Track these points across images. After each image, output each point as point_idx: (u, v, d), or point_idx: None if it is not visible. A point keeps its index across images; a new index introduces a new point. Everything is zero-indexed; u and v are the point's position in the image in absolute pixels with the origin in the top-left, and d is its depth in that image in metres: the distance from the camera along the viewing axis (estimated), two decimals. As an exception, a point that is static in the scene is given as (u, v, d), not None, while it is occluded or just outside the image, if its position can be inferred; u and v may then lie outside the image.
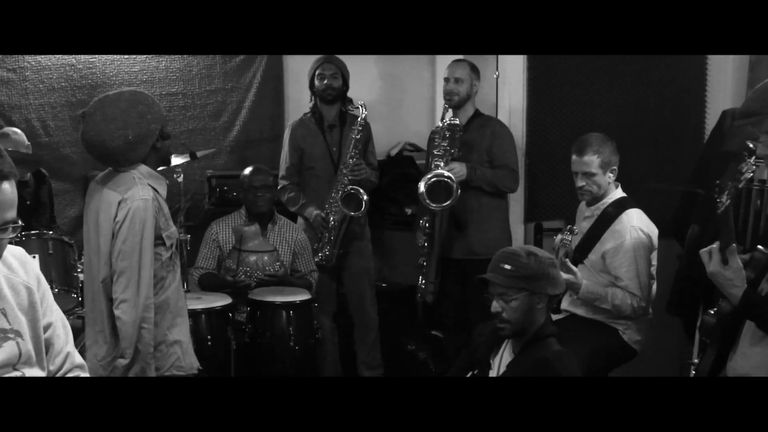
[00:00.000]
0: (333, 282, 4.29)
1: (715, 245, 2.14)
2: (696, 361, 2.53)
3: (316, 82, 4.15)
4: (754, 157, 2.11)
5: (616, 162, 3.28)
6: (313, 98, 4.23)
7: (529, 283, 2.35)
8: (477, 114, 4.02)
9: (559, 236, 3.11)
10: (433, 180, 3.77)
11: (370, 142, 4.27)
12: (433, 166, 3.87)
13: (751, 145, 2.15)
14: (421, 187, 3.77)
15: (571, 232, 3.11)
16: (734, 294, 2.11)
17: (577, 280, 3.12)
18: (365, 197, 4.01)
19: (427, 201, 3.77)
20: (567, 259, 3.10)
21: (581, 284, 3.14)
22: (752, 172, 2.09)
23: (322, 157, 4.17)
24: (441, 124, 3.92)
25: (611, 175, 3.28)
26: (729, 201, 2.10)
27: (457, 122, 3.88)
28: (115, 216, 2.56)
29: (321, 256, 4.14)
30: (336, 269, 4.24)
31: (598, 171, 3.24)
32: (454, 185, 3.74)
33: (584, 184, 3.28)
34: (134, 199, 2.54)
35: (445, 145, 3.86)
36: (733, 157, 2.17)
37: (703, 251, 2.18)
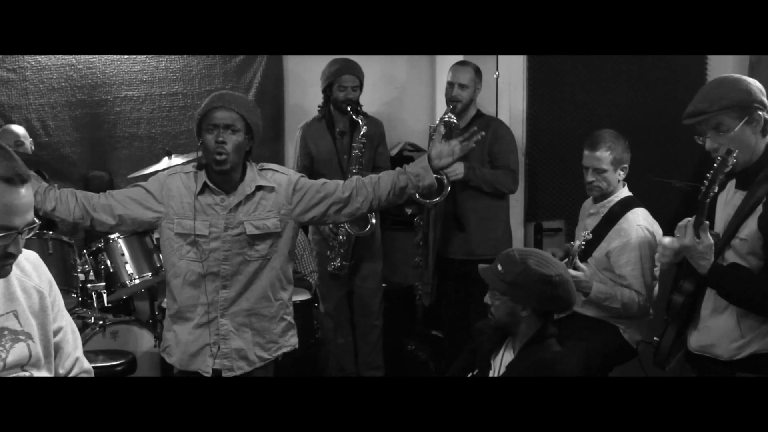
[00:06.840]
0: (344, 287, 4.25)
1: (690, 221, 2.34)
2: (656, 339, 2.69)
3: (336, 92, 4.02)
4: (737, 152, 2.25)
5: (627, 160, 3.26)
6: (324, 100, 4.13)
7: (510, 289, 2.32)
8: (478, 115, 3.99)
9: (577, 243, 3.05)
10: None
11: (381, 145, 4.23)
12: None
13: (699, 142, 2.37)
14: None
15: (586, 238, 3.07)
16: (703, 266, 2.34)
17: (587, 281, 3.08)
18: (372, 216, 3.96)
19: (418, 197, 3.77)
20: (576, 260, 3.05)
21: (591, 285, 3.09)
22: (732, 164, 2.25)
23: (331, 164, 4.09)
24: (438, 121, 3.89)
25: (621, 172, 3.26)
26: (717, 190, 2.30)
27: (454, 120, 3.83)
28: None
29: (333, 266, 4.11)
30: (348, 273, 4.20)
31: (609, 167, 3.22)
32: (446, 181, 3.75)
33: (594, 179, 3.26)
34: None
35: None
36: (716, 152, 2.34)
37: (680, 225, 2.39)
